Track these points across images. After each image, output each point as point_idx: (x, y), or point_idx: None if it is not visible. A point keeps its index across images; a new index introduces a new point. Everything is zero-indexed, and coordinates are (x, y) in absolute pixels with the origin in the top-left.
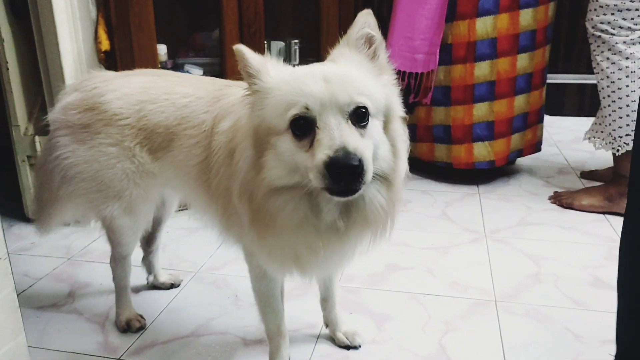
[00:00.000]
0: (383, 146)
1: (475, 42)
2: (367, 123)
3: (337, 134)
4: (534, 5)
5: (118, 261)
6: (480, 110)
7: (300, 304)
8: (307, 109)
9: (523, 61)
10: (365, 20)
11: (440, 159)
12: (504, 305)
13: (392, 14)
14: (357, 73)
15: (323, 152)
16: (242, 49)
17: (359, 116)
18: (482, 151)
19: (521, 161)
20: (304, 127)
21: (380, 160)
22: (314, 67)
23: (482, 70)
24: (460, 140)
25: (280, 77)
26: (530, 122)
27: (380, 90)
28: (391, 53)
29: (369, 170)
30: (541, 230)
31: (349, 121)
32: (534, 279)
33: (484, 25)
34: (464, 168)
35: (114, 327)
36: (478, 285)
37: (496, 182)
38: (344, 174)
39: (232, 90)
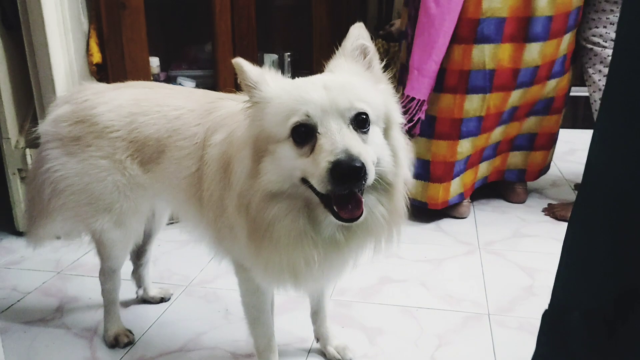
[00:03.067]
0: (384, 153)
1: (470, 72)
2: (368, 129)
3: (339, 138)
4: (543, 39)
5: (107, 275)
6: (464, 147)
7: (291, 318)
8: (308, 116)
9: (515, 97)
10: (359, 33)
11: (414, 196)
12: (497, 319)
13: (416, 32)
14: (356, 81)
15: (326, 156)
16: (240, 62)
17: (360, 122)
18: (455, 186)
19: None
20: (304, 134)
21: (382, 166)
22: (314, 77)
23: (473, 104)
24: (439, 178)
25: (279, 87)
26: (500, 150)
27: (380, 97)
28: (412, 77)
29: (371, 174)
30: (535, 243)
31: (350, 126)
32: (527, 291)
33: (481, 54)
34: (440, 208)
35: (102, 342)
36: (471, 298)
37: (489, 194)
38: (347, 176)
39: (225, 103)
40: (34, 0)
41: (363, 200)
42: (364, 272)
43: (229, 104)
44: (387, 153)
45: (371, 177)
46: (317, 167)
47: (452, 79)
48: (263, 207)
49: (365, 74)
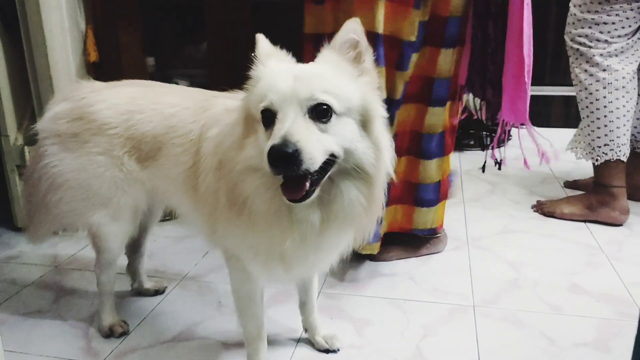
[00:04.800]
0: (360, 144)
1: (434, 80)
2: (328, 119)
3: (286, 125)
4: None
5: (103, 267)
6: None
7: (282, 309)
8: (272, 102)
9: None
10: (353, 27)
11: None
12: (482, 310)
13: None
14: (330, 73)
15: (270, 141)
16: (259, 37)
17: (320, 112)
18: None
19: (506, 171)
20: (269, 118)
21: (357, 156)
22: (293, 66)
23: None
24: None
25: (268, 71)
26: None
27: (356, 90)
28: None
29: (307, 160)
30: (522, 238)
31: (307, 116)
32: (512, 284)
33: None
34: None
35: (97, 333)
36: (458, 291)
37: (481, 192)
38: (279, 160)
39: (219, 100)
40: (32, 1)
41: (307, 184)
42: (354, 266)
43: (223, 101)
44: (364, 145)
45: (309, 164)
46: (265, 150)
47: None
48: (242, 179)
49: (344, 67)
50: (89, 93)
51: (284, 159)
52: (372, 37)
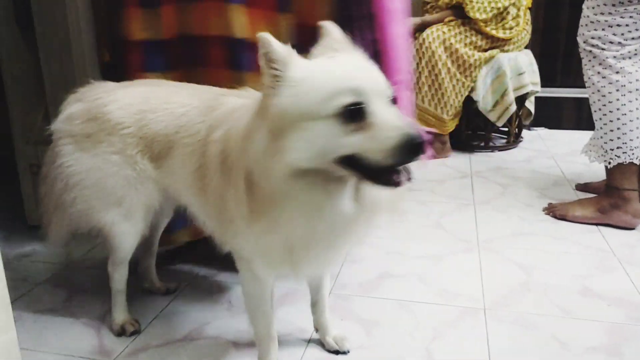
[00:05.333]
0: None
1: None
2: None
3: (395, 116)
4: None
5: (116, 265)
6: None
7: (293, 309)
8: (360, 94)
9: None
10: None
11: None
12: (492, 313)
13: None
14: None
15: (391, 132)
16: (267, 36)
17: (392, 102)
18: None
19: (517, 173)
20: (355, 112)
21: None
22: (345, 58)
23: None
24: None
25: (311, 67)
26: None
27: None
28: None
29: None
30: (533, 241)
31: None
32: (523, 287)
33: None
34: None
35: (109, 331)
36: (468, 293)
37: (492, 194)
38: (416, 150)
39: (227, 99)
40: (48, 2)
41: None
42: (364, 267)
43: (231, 100)
44: None
45: None
46: (380, 142)
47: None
48: (285, 183)
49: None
50: (102, 93)
51: (421, 148)
52: (231, 43)
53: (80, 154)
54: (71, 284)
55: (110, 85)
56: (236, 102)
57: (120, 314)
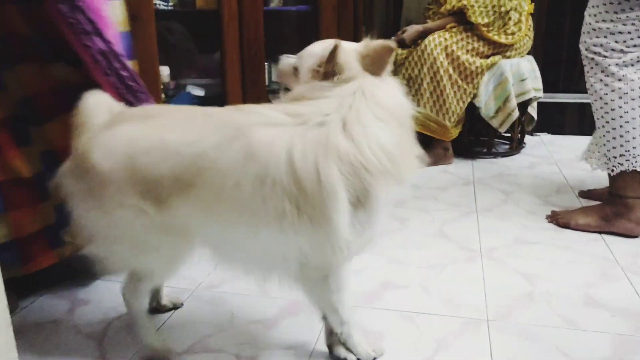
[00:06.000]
0: None
1: None
2: None
3: None
4: None
5: (139, 294)
6: None
7: (295, 321)
8: None
9: None
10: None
11: None
12: (495, 324)
13: None
14: None
15: None
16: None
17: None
18: None
19: (520, 179)
20: None
21: None
22: None
23: None
24: None
25: None
26: None
27: None
28: None
29: None
30: (537, 249)
31: None
32: (527, 297)
33: None
34: None
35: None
36: (471, 303)
37: (494, 201)
38: None
39: (258, 131)
40: None
41: None
42: (366, 277)
43: (262, 133)
44: None
45: None
46: None
47: None
48: None
49: None
50: (86, 142)
51: None
52: None
53: (93, 212)
54: (73, 295)
55: (94, 125)
56: (271, 135)
57: (150, 339)
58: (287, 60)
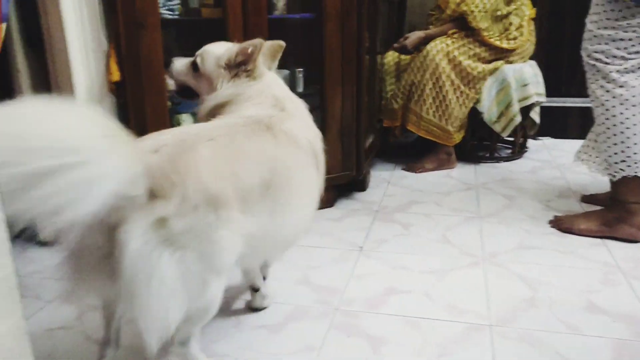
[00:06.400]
0: None
1: None
2: None
3: None
4: None
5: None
6: None
7: (301, 326)
8: None
9: None
10: None
11: None
12: (498, 330)
13: None
14: None
15: None
16: None
17: None
18: None
19: (523, 184)
20: None
21: None
22: None
23: None
24: None
25: None
26: None
27: None
28: None
29: None
30: (539, 255)
31: None
32: (529, 303)
33: None
34: None
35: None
36: (474, 309)
37: (497, 206)
38: None
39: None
40: (56, 22)
41: None
42: (370, 282)
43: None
44: None
45: None
46: None
47: None
48: None
49: None
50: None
51: None
52: None
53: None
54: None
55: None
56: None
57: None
58: (182, 60)
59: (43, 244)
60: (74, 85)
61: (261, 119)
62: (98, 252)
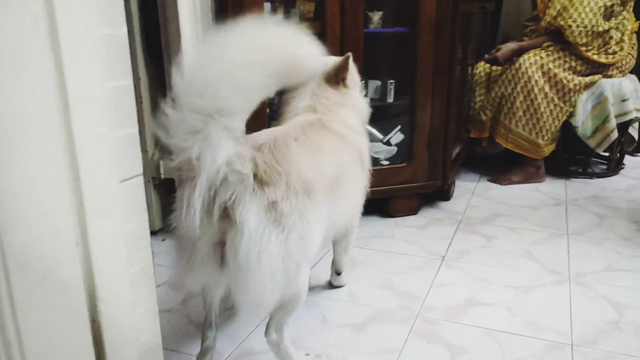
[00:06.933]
0: None
1: None
2: None
3: None
4: None
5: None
6: None
7: (381, 328)
8: None
9: None
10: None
11: None
12: (580, 350)
13: None
14: None
15: None
16: None
17: None
18: None
19: (616, 202)
20: None
21: None
22: None
23: None
24: None
25: None
26: None
27: None
28: None
29: None
30: (628, 278)
31: None
32: (614, 326)
33: None
34: None
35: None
36: (556, 327)
37: (587, 224)
38: None
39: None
40: (174, 34)
41: None
42: (451, 292)
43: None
44: None
45: None
46: None
47: None
48: None
49: None
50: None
51: None
52: None
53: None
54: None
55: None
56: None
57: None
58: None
59: (154, 232)
60: None
61: (315, 120)
62: (210, 241)
